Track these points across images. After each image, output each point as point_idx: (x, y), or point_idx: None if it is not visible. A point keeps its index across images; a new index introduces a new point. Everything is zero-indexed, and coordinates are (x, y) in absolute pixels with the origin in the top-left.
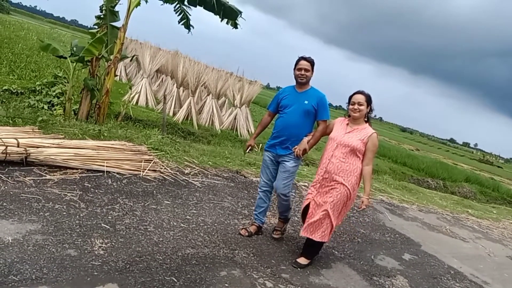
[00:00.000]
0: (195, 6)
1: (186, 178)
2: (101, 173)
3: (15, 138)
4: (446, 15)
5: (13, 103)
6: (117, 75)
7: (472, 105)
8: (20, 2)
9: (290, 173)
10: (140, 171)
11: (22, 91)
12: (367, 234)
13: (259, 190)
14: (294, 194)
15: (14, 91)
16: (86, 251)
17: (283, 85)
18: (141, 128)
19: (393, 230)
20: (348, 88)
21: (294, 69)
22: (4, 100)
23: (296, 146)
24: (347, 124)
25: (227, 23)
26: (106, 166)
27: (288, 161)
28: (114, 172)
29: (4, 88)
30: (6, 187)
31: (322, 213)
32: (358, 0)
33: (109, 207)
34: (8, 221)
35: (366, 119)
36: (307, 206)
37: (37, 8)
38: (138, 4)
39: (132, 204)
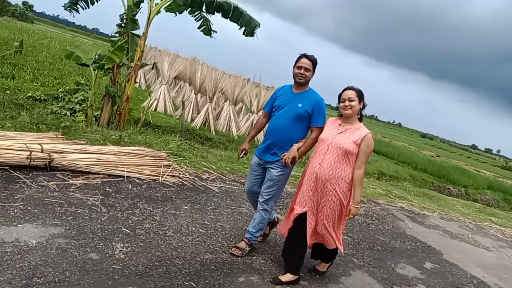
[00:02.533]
0: (213, 14)
1: (204, 184)
2: (121, 178)
3: (39, 144)
4: (465, 19)
5: (37, 110)
6: (137, 82)
7: (494, 111)
8: (44, 12)
9: (275, 182)
10: (159, 176)
11: (46, 97)
12: (387, 242)
13: (246, 195)
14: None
15: (37, 98)
16: (107, 255)
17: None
18: (160, 134)
19: (413, 238)
20: (366, 93)
21: (294, 66)
22: (28, 107)
23: (284, 153)
24: (340, 124)
25: (244, 33)
26: (127, 171)
27: (274, 169)
28: (134, 177)
29: (28, 95)
30: (30, 192)
31: (322, 230)
32: (376, 5)
33: (130, 211)
34: (32, 224)
35: (359, 117)
36: (300, 217)
37: (60, 17)
38: (158, 12)
39: (151, 209)
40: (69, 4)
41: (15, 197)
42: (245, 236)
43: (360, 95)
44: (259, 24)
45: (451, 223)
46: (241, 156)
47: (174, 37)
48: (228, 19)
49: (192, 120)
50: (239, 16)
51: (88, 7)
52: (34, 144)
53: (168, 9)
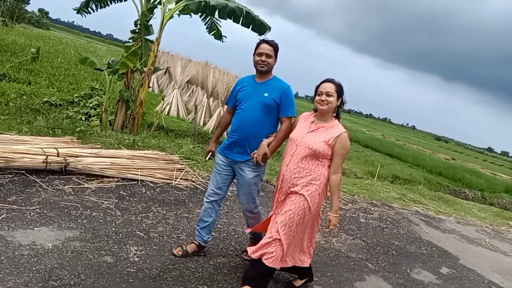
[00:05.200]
0: (225, 19)
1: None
2: (135, 182)
3: (55, 148)
4: (480, 20)
5: (52, 114)
6: (150, 87)
7: (511, 113)
8: (59, 18)
9: (252, 185)
10: (173, 180)
11: (61, 102)
12: (402, 246)
13: (205, 199)
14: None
15: (53, 103)
16: (121, 258)
17: (312, 94)
18: (173, 138)
19: (429, 242)
20: (379, 96)
21: (254, 54)
22: (44, 112)
23: (254, 151)
24: (312, 121)
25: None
26: (140, 175)
27: (246, 172)
28: (147, 181)
29: (44, 100)
30: (46, 195)
31: (271, 233)
32: (387, 7)
33: (143, 215)
34: (48, 228)
35: (335, 115)
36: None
37: (75, 23)
38: (171, 17)
39: (165, 213)
40: (80, 7)
41: (32, 201)
42: (250, 238)
43: (339, 91)
44: (270, 28)
45: (467, 227)
46: (207, 158)
47: (187, 42)
48: (240, 24)
49: (204, 124)
50: (251, 21)
51: (97, 10)
52: (50, 148)
53: (181, 14)
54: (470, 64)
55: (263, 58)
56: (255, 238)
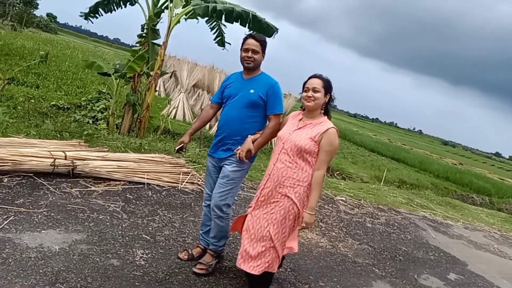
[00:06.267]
0: (232, 23)
1: None
2: (141, 185)
3: (63, 151)
4: (486, 24)
5: (60, 118)
6: (156, 90)
7: None
8: (67, 23)
9: (229, 179)
10: (179, 183)
11: (69, 106)
12: (409, 251)
13: (203, 204)
14: (317, 209)
15: (61, 106)
16: (128, 261)
17: None
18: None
19: (437, 248)
20: (385, 100)
21: (240, 49)
22: (52, 115)
23: (239, 147)
24: (300, 119)
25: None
26: (147, 178)
27: (228, 165)
28: (154, 184)
29: (52, 103)
30: (54, 198)
31: (263, 243)
32: (393, 10)
33: (150, 218)
34: (56, 230)
35: (323, 112)
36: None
37: (82, 28)
38: (178, 22)
39: (171, 216)
40: (87, 12)
41: (39, 203)
42: (209, 248)
43: (327, 86)
44: (277, 30)
45: (475, 232)
46: (177, 148)
47: (193, 46)
48: (247, 27)
49: (210, 127)
50: (258, 25)
51: (105, 13)
52: (58, 151)
53: (188, 18)
54: (477, 68)
55: (249, 54)
56: (215, 250)
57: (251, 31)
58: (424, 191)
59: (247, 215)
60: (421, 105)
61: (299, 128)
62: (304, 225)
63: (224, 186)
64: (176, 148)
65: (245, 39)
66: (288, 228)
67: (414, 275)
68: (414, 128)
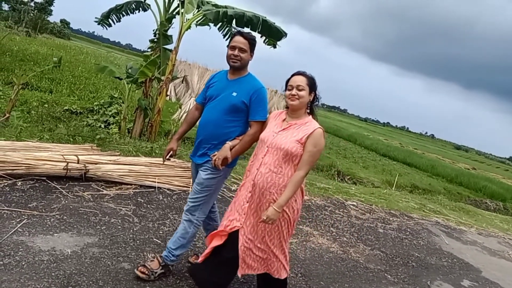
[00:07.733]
0: (243, 28)
1: (233, 195)
2: (152, 189)
3: (75, 155)
4: (499, 27)
5: (73, 122)
6: (167, 95)
7: None
8: (80, 29)
9: (204, 187)
10: (189, 187)
11: (81, 111)
12: (422, 258)
13: None
14: (328, 214)
15: (74, 111)
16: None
17: (328, 102)
18: (189, 146)
19: (450, 254)
20: (397, 104)
21: (227, 47)
22: (65, 120)
23: (215, 153)
24: (284, 119)
25: (264, 41)
26: (158, 182)
27: (203, 171)
28: (164, 188)
29: (65, 108)
30: (66, 201)
31: (264, 254)
32: (404, 15)
33: (160, 222)
34: (68, 234)
35: (308, 111)
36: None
37: (95, 34)
38: (189, 27)
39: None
40: (101, 18)
41: (52, 207)
42: (161, 254)
43: (311, 84)
44: (286, 34)
45: (489, 239)
46: (166, 157)
47: (204, 51)
48: (257, 32)
49: None
50: (268, 29)
51: (119, 21)
52: (71, 155)
53: (199, 24)
54: (490, 71)
55: (236, 52)
56: (165, 258)
57: (261, 36)
58: (437, 196)
59: (233, 228)
60: (433, 109)
61: (284, 129)
62: (265, 218)
63: (198, 192)
64: (166, 157)
65: (233, 36)
66: (283, 234)
67: (427, 281)
68: (426, 133)
